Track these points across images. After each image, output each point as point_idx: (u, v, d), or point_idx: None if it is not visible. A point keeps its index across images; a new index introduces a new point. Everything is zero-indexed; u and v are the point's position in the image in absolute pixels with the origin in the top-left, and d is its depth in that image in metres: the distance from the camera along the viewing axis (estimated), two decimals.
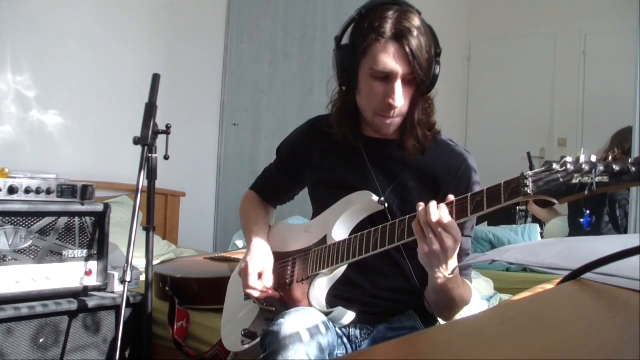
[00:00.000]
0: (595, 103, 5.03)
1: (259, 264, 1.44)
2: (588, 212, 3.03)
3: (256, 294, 1.42)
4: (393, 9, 1.30)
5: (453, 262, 1.17)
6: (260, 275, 1.42)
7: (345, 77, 1.36)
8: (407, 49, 1.27)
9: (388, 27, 1.28)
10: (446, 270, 1.17)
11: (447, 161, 1.40)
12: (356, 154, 1.44)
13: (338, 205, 1.40)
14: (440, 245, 1.12)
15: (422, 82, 1.31)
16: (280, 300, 1.42)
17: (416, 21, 1.30)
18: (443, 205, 1.14)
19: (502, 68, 5.46)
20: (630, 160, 0.94)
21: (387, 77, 1.30)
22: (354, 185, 1.40)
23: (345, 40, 1.37)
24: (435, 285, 1.21)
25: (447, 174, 1.38)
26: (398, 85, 1.30)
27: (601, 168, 0.96)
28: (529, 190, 1.02)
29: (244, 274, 1.43)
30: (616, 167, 0.94)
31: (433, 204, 1.14)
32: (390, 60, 1.28)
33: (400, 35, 1.27)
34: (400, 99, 1.30)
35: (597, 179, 0.96)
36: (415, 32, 1.28)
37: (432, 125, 1.40)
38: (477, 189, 1.35)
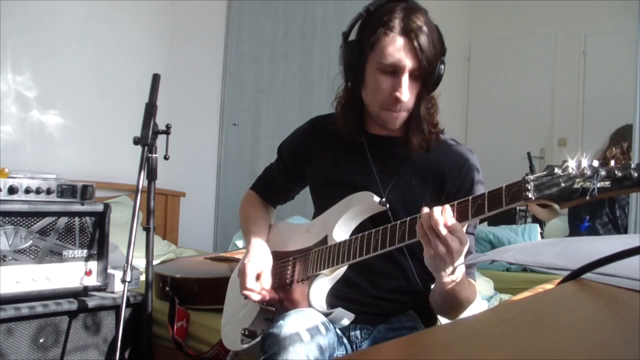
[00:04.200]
0: (595, 103, 5.03)
1: (257, 265, 1.43)
2: (587, 217, 3.03)
3: (254, 295, 1.40)
4: (401, 6, 1.32)
5: (460, 266, 1.16)
6: (258, 277, 1.41)
7: (352, 72, 1.37)
8: (416, 44, 1.28)
9: (397, 21, 1.30)
10: (453, 274, 1.16)
11: (450, 159, 1.40)
12: (359, 151, 1.44)
13: (339, 205, 1.39)
14: (446, 248, 1.10)
15: (428, 78, 1.32)
16: (280, 300, 1.42)
17: (423, 19, 1.32)
18: (447, 207, 1.12)
19: (502, 68, 5.46)
20: (632, 166, 0.93)
21: (395, 71, 1.31)
22: (355, 183, 1.39)
23: (352, 38, 1.38)
24: (443, 289, 1.20)
25: (450, 172, 1.38)
26: (405, 79, 1.31)
27: (603, 173, 0.95)
28: (530, 195, 1.02)
29: (242, 275, 1.41)
30: (618, 173, 0.94)
31: (437, 208, 1.12)
32: (398, 53, 1.29)
33: (409, 30, 1.29)
34: (406, 93, 1.31)
35: (599, 184, 0.95)
36: (423, 28, 1.30)
37: (435, 124, 1.40)
38: (480, 188, 1.36)
